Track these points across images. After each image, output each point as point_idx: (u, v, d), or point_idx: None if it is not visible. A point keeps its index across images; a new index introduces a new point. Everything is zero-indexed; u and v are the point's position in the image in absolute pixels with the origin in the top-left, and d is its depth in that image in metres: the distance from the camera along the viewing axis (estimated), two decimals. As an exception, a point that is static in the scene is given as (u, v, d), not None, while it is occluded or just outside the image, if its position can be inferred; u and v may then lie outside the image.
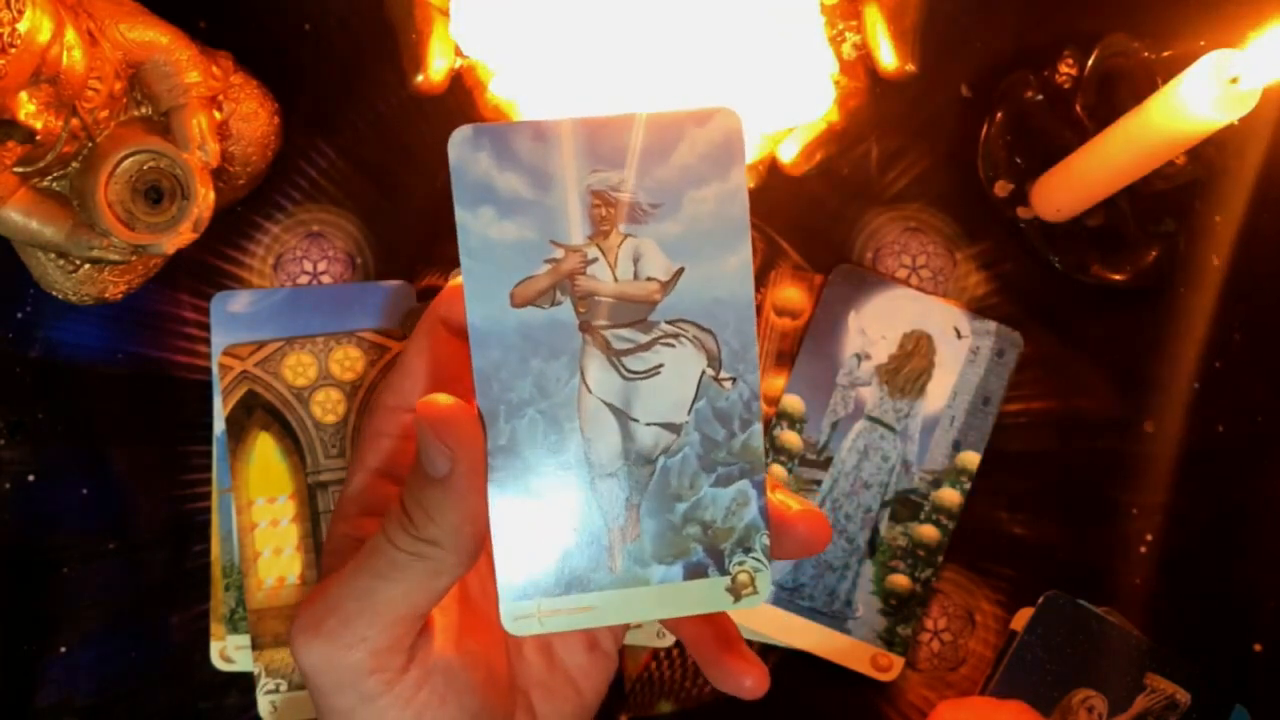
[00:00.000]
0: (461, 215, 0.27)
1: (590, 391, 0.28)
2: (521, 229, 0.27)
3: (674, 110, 0.27)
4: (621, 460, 0.28)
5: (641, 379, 0.28)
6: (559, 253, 0.27)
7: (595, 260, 0.27)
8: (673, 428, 0.28)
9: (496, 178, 0.27)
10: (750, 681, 0.31)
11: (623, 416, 0.28)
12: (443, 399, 0.27)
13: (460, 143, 0.27)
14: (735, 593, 0.29)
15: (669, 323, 0.28)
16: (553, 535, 0.28)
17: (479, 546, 0.28)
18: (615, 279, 0.28)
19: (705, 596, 0.29)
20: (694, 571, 0.28)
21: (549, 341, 0.27)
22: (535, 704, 0.33)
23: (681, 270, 0.28)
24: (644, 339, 0.28)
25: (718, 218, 0.28)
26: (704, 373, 0.28)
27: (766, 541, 0.29)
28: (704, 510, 0.28)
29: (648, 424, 0.28)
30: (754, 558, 0.29)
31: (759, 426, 0.28)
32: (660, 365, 0.28)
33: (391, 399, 0.31)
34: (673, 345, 0.28)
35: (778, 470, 0.52)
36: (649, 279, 0.28)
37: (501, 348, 0.27)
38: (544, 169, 0.27)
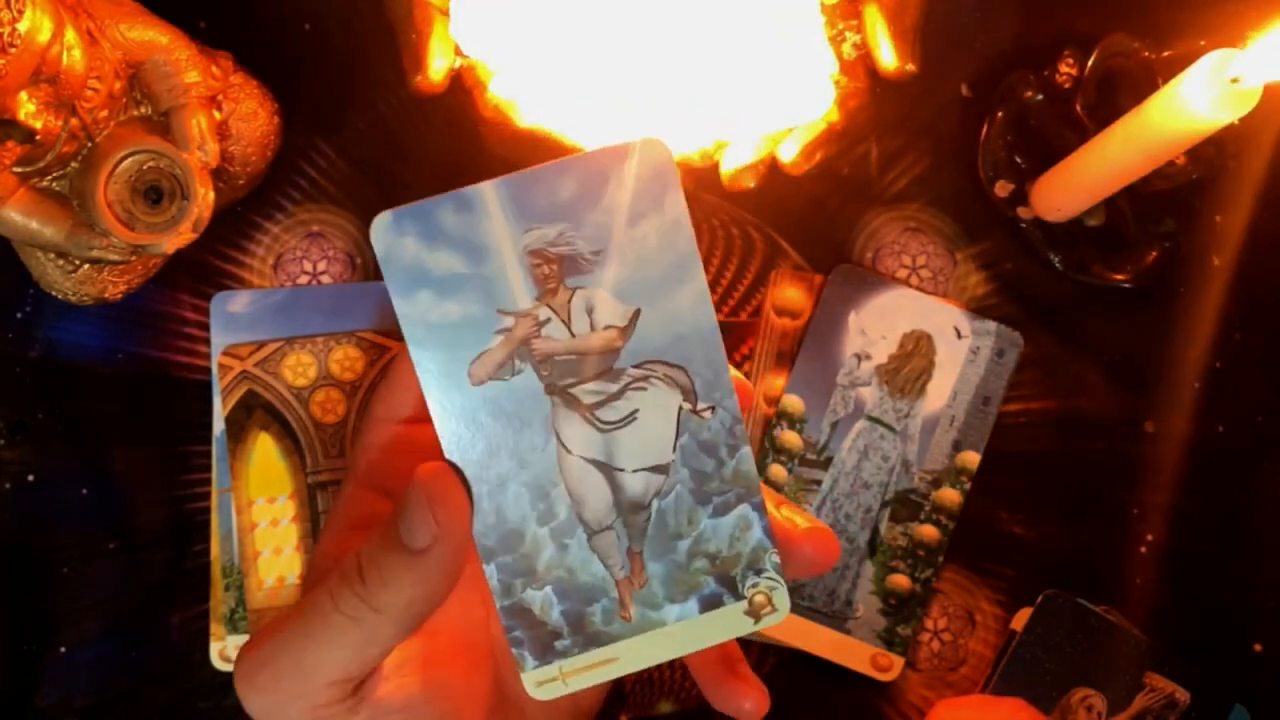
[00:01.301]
0: (400, 305, 0.26)
1: (570, 452, 0.27)
2: (465, 305, 0.26)
3: (593, 150, 0.26)
4: (614, 512, 0.28)
5: (619, 428, 0.27)
6: (509, 321, 0.27)
7: (548, 320, 0.27)
8: (660, 469, 0.28)
9: (427, 259, 0.26)
10: (750, 704, 0.30)
11: (607, 469, 0.27)
12: (446, 468, 0.27)
13: (383, 231, 0.26)
14: (755, 614, 0.28)
15: (636, 367, 0.27)
16: (560, 599, 0.28)
17: (420, 624, 0.27)
18: (572, 334, 0.27)
19: (726, 624, 0.28)
20: (709, 603, 0.28)
21: (517, 412, 0.27)
22: (529, 716, 0.33)
23: (638, 312, 0.27)
24: (614, 388, 0.27)
25: (663, 252, 0.27)
26: (681, 408, 0.27)
27: (777, 559, 0.28)
28: (707, 542, 0.28)
29: (634, 471, 0.28)
30: (767, 577, 0.28)
31: (748, 449, 0.28)
32: (635, 411, 0.27)
33: (381, 410, 0.31)
34: (644, 388, 0.27)
35: (777, 470, 0.52)
36: (607, 327, 0.27)
37: (470, 429, 0.27)
38: (475, 239, 0.26)
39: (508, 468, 0.27)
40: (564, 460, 0.27)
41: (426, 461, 0.27)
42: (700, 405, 0.27)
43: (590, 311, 0.27)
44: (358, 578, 0.27)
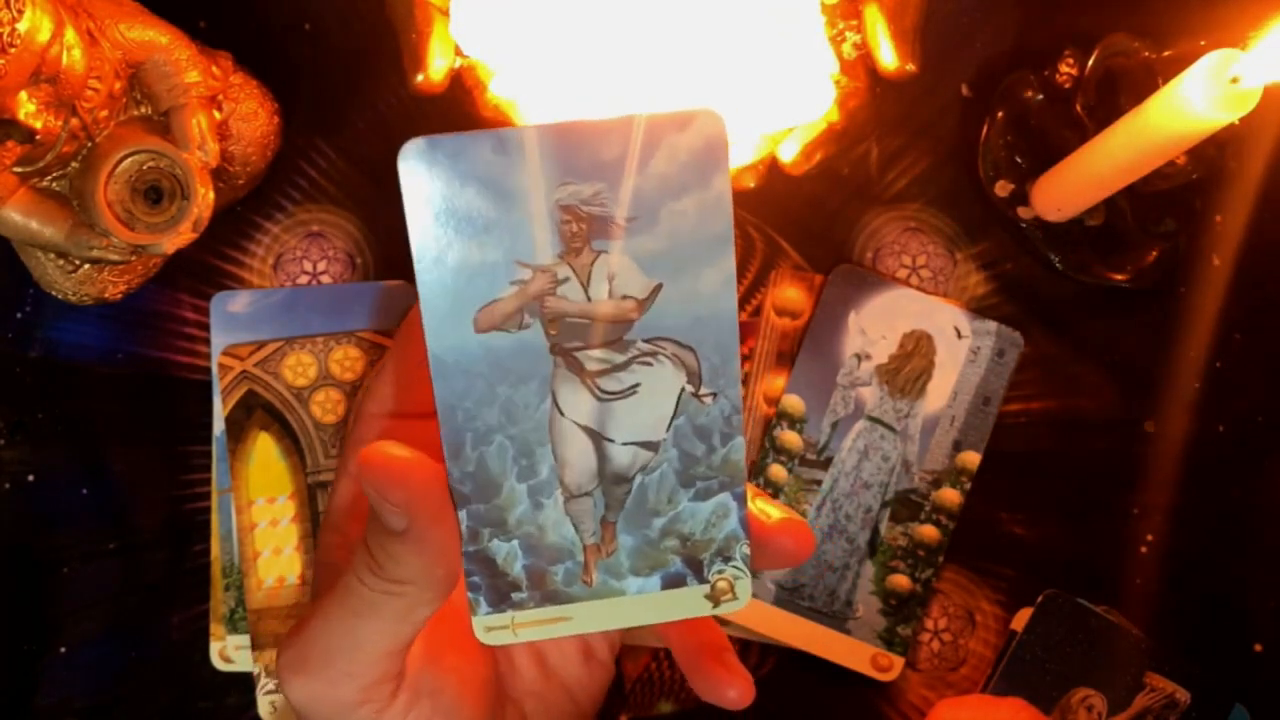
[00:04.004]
0: (415, 237, 0.25)
1: (563, 415, 0.27)
2: (484, 250, 0.25)
3: (651, 114, 0.25)
4: (596, 480, 0.27)
5: (618, 399, 0.27)
6: (526, 273, 0.25)
7: (566, 280, 0.26)
8: (650, 445, 0.27)
9: (454, 195, 0.25)
10: (735, 693, 0.30)
11: (597, 437, 0.27)
12: (387, 450, 0.26)
13: (412, 157, 0.24)
14: (714, 599, 0.28)
15: (646, 341, 0.26)
16: (525, 553, 0.27)
17: (454, 580, 0.28)
18: (589, 299, 0.26)
19: (684, 604, 0.28)
20: (672, 581, 0.28)
21: (517, 367, 0.26)
22: (529, 714, 0.33)
23: (659, 287, 0.26)
24: (620, 359, 0.27)
25: (698, 230, 0.26)
26: (683, 390, 0.27)
27: (747, 550, 0.28)
28: (682, 524, 0.28)
29: (624, 443, 0.27)
30: (734, 566, 0.28)
31: (741, 440, 0.27)
32: (637, 385, 0.27)
33: (374, 406, 0.31)
34: (650, 364, 0.27)
35: (777, 470, 0.52)
36: (625, 297, 0.26)
37: (466, 376, 0.26)
38: (507, 184, 0.25)
39: (497, 420, 0.26)
40: (555, 422, 0.27)
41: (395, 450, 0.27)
42: (703, 390, 0.27)
43: (611, 278, 0.26)
44: (372, 561, 0.27)
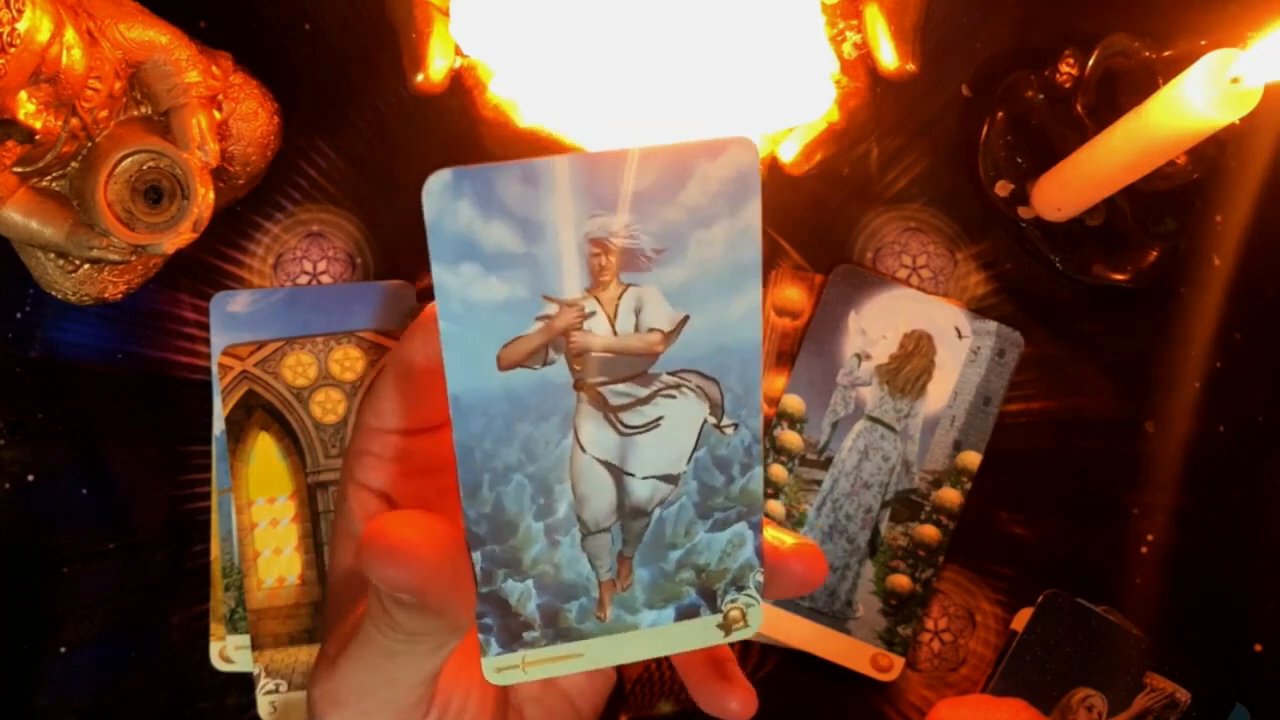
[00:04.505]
0: (440, 275, 0.24)
1: (584, 451, 0.26)
2: (510, 285, 0.24)
3: (683, 142, 0.24)
4: (614, 515, 0.27)
5: (639, 433, 0.26)
6: (552, 308, 0.24)
7: (593, 314, 0.25)
8: (670, 479, 0.26)
9: (480, 230, 0.23)
10: (736, 704, 0.30)
11: (618, 472, 0.26)
12: (388, 535, 0.25)
13: (439, 191, 0.23)
14: (727, 628, 0.28)
15: (671, 374, 0.26)
16: (539, 593, 0.27)
17: (472, 615, 0.27)
18: (614, 332, 0.25)
19: (696, 634, 0.28)
20: (685, 613, 0.28)
21: (539, 404, 0.25)
22: (528, 718, 0.33)
23: (686, 319, 0.25)
24: (643, 393, 0.26)
25: (727, 260, 0.25)
26: (705, 421, 0.26)
27: (760, 578, 0.28)
28: (698, 556, 0.27)
29: (644, 477, 0.26)
30: (747, 594, 0.28)
31: (760, 469, 0.27)
32: (660, 418, 0.26)
33: (371, 418, 0.30)
34: (674, 396, 0.26)
35: (777, 471, 0.52)
36: (651, 330, 0.25)
37: (485, 416, 0.25)
38: (535, 217, 0.23)
39: (516, 458, 0.25)
40: (576, 458, 0.26)
41: (399, 508, 0.28)
42: (725, 420, 0.26)
43: (638, 311, 0.25)
44: (387, 619, 0.27)
